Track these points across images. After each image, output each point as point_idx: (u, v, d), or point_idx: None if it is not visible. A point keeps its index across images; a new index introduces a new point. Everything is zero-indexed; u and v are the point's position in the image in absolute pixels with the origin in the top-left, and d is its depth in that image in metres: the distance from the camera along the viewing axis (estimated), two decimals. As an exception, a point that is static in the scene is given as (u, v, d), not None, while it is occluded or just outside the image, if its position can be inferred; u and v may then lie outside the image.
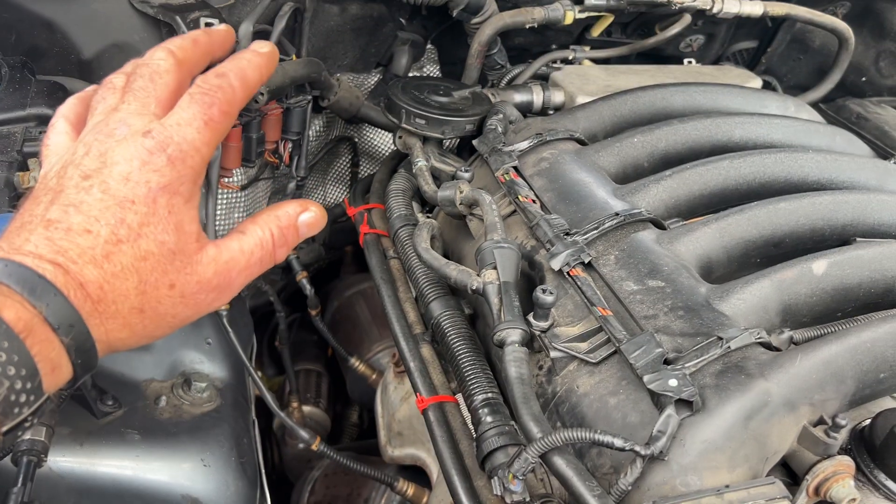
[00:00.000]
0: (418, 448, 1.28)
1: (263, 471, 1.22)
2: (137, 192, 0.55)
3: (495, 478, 0.81)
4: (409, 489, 1.31)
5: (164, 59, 0.63)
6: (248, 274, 0.63)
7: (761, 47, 1.85)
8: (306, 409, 1.70)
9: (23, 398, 0.48)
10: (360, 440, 1.84)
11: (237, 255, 0.62)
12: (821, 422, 0.78)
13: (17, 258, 0.51)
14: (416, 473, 1.32)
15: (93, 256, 0.53)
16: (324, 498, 1.55)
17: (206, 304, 0.61)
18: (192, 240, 0.59)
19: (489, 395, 0.92)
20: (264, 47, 0.70)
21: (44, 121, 1.05)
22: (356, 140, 1.74)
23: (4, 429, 0.49)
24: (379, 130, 1.74)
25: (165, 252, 0.56)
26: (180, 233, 0.57)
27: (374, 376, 1.61)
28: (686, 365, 0.78)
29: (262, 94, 1.17)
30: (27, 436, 0.80)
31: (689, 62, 1.75)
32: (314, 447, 1.30)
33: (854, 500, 0.75)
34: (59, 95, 1.09)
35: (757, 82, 1.53)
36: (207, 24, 1.17)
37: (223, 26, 0.74)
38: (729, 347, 0.80)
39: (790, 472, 0.80)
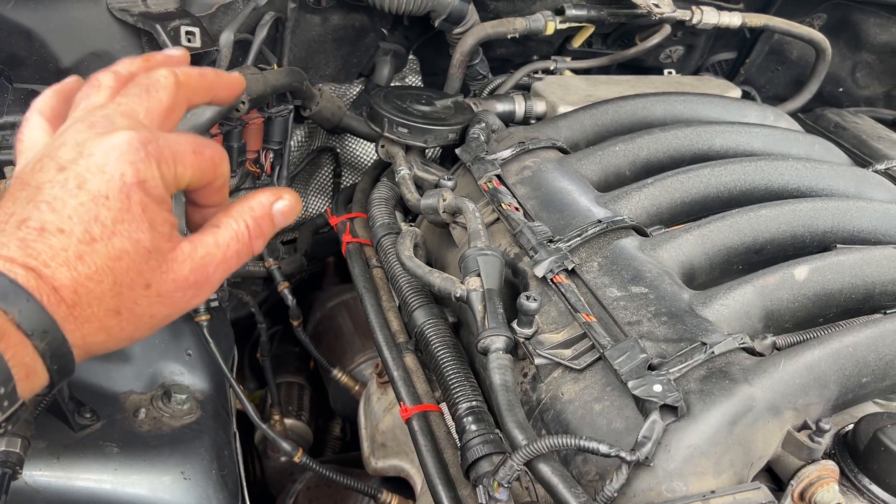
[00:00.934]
0: (402, 459, 1.27)
1: (245, 483, 1.20)
2: (112, 187, 0.54)
3: (480, 486, 0.80)
4: (393, 501, 1.30)
5: (166, 76, 0.62)
6: (226, 268, 0.61)
7: (740, 58, 1.87)
8: (288, 421, 1.68)
9: None
10: (343, 453, 1.82)
11: (213, 250, 0.60)
12: (805, 426, 0.78)
13: None
14: (400, 485, 1.31)
15: (66, 258, 0.52)
16: (306, 511, 1.53)
17: (183, 301, 0.59)
18: (166, 238, 0.57)
19: (474, 403, 0.91)
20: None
21: (21, 129, 1.04)
22: (338, 150, 1.74)
23: None
24: (361, 141, 1.73)
25: (140, 251, 0.55)
26: (154, 231, 0.56)
27: (356, 388, 1.60)
28: (670, 370, 0.78)
29: (243, 102, 1.16)
30: (1, 447, 0.78)
31: (669, 73, 1.77)
32: (297, 459, 1.29)
33: (839, 504, 0.75)
34: (36, 104, 1.07)
35: (736, 92, 1.54)
36: (188, 33, 1.17)
37: (235, 74, 0.73)
38: (713, 353, 0.80)
39: (774, 479, 0.80)
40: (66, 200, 0.53)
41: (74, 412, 1.05)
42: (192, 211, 0.66)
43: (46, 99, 0.64)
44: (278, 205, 0.64)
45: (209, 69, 0.68)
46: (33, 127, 0.62)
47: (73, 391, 1.06)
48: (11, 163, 0.98)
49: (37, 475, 0.99)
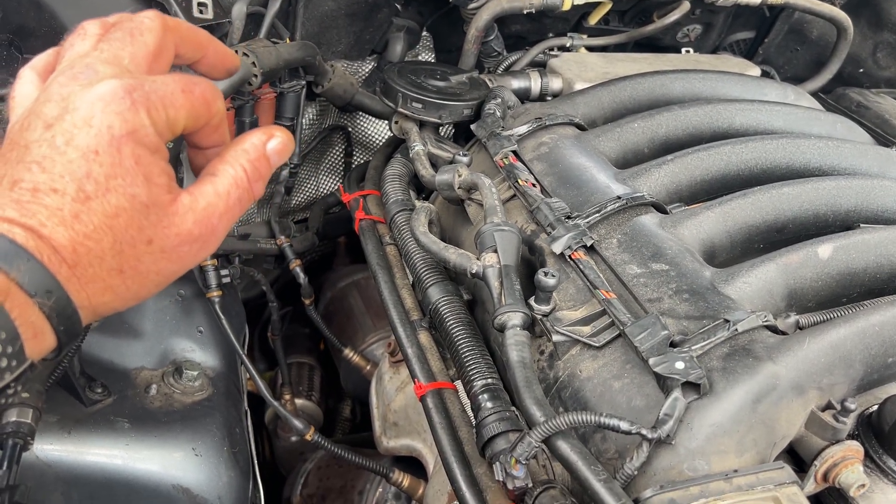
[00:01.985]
0: (414, 438, 1.25)
1: (256, 461, 1.19)
2: (101, 141, 0.51)
3: (497, 463, 0.79)
4: (405, 480, 1.28)
5: (151, 18, 0.59)
6: (230, 217, 0.59)
7: (758, 38, 1.84)
8: (299, 402, 1.67)
9: (3, 363, 0.46)
10: (353, 434, 1.82)
11: (214, 200, 0.58)
12: (829, 406, 0.77)
13: None
14: (412, 465, 1.30)
15: (62, 218, 0.50)
16: (317, 490, 1.52)
17: (190, 256, 0.57)
18: (164, 191, 0.55)
19: (489, 380, 0.90)
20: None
21: (31, 100, 1.03)
22: (350, 129, 1.72)
23: None
24: (373, 119, 1.71)
25: (138, 206, 0.53)
26: (150, 184, 0.54)
27: (368, 367, 1.59)
28: (693, 347, 0.76)
29: (255, 76, 1.15)
30: (13, 417, 0.78)
31: (687, 52, 1.74)
32: (308, 437, 1.28)
33: (863, 485, 0.74)
34: (47, 75, 1.06)
35: (756, 71, 1.51)
36: (200, 4, 1.15)
37: (232, 51, 0.70)
38: (736, 330, 0.78)
39: (797, 460, 0.79)
40: (55, 159, 0.51)
41: (86, 387, 1.04)
42: (193, 155, 0.64)
43: (42, 56, 0.62)
44: (271, 143, 0.62)
45: (202, 30, 0.66)
46: (25, 82, 0.60)
47: (85, 366, 1.05)
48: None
49: (48, 449, 0.98)
